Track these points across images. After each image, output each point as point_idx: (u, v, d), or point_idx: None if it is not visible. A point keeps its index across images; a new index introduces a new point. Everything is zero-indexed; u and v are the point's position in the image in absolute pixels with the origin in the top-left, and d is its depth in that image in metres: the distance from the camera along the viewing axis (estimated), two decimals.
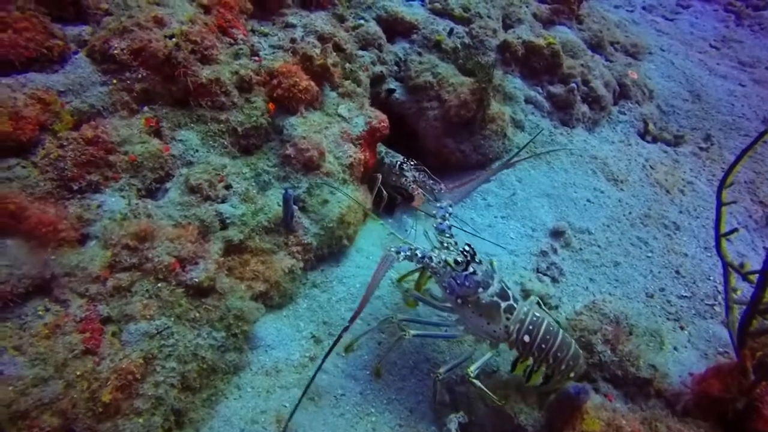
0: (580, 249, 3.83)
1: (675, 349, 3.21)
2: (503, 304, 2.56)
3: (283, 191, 2.89)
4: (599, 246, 3.87)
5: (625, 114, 5.28)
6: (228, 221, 2.81)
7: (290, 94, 3.28)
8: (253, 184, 3.14)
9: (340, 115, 3.65)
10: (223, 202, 2.86)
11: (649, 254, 3.91)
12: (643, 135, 5.26)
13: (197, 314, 2.43)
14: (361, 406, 2.79)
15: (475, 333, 2.72)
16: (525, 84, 4.74)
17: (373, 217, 3.89)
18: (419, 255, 2.62)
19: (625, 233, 4.00)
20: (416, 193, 3.87)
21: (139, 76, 2.75)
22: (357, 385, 2.86)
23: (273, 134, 3.33)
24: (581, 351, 2.73)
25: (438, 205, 2.91)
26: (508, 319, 2.56)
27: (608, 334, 2.89)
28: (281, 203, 2.97)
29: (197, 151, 2.94)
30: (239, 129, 3.12)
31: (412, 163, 4.10)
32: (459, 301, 2.59)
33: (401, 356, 3.02)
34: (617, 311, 3.12)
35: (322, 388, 2.79)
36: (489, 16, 4.77)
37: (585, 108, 4.92)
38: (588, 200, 4.18)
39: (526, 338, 2.56)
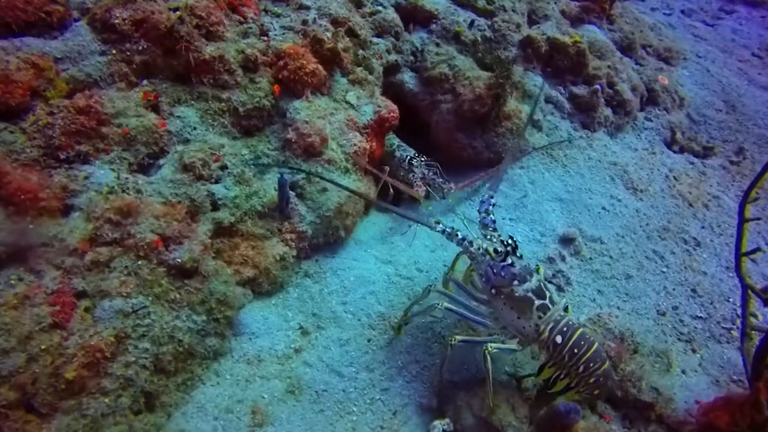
0: (591, 258, 3.64)
1: (683, 372, 3.01)
2: (537, 302, 2.47)
3: (279, 176, 2.79)
4: (611, 257, 3.67)
5: (651, 121, 5.02)
6: (220, 202, 2.73)
7: (296, 77, 3.18)
8: (252, 166, 3.06)
9: (348, 102, 3.53)
10: (216, 182, 2.78)
11: (665, 269, 3.69)
12: (669, 144, 4.99)
13: (178, 295, 2.35)
14: (343, 404, 2.69)
15: (506, 326, 2.62)
16: (547, 82, 4.53)
17: (376, 206, 3.78)
18: (459, 236, 2.61)
19: (640, 245, 3.79)
20: (417, 190, 3.73)
21: (140, 48, 2.69)
22: (341, 382, 2.75)
23: (276, 117, 3.24)
24: (613, 372, 2.53)
25: (480, 198, 2.86)
26: (540, 317, 2.47)
27: (610, 350, 2.72)
28: (277, 188, 2.88)
29: (195, 128, 2.86)
30: (241, 109, 3.03)
31: (422, 159, 3.95)
32: (493, 291, 2.54)
33: (390, 356, 2.91)
34: (623, 327, 2.94)
35: (304, 381, 2.70)
36: (514, 10, 4.58)
37: (608, 112, 4.69)
38: (603, 208, 3.97)
39: (558, 339, 2.43)
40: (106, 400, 1.95)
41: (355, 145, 3.34)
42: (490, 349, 2.45)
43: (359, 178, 3.40)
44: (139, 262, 2.24)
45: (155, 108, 2.74)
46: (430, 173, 3.92)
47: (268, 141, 3.18)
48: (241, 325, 2.79)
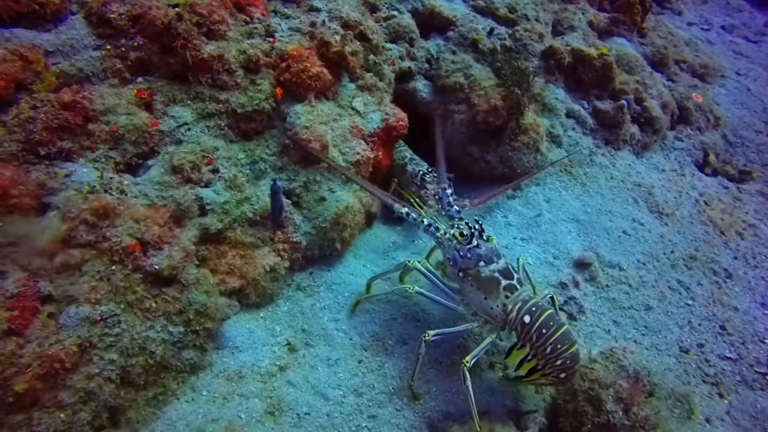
0: (607, 286, 3.36)
1: (707, 421, 2.70)
2: (504, 282, 2.50)
3: (272, 182, 2.64)
4: (630, 285, 3.38)
5: (682, 141, 4.70)
6: (208, 208, 2.60)
7: (298, 80, 3.05)
8: (247, 171, 2.93)
9: (354, 109, 3.38)
10: (206, 186, 2.65)
11: (690, 302, 3.38)
12: (701, 166, 4.67)
13: (153, 304, 2.22)
14: (326, 429, 2.49)
15: (474, 309, 2.64)
16: (569, 96, 4.30)
17: (380, 219, 3.61)
18: (425, 222, 2.69)
19: (664, 274, 3.49)
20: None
21: (136, 44, 2.60)
22: (325, 405, 2.56)
23: (277, 121, 3.11)
24: (581, 356, 2.47)
25: (438, 196, 2.93)
26: (507, 297, 2.49)
27: (623, 391, 2.45)
28: (270, 195, 2.73)
29: (189, 129, 2.75)
30: (239, 111, 2.91)
31: (435, 175, 3.75)
32: (461, 274, 2.59)
33: (381, 380, 2.70)
34: (638, 365, 2.65)
35: (286, 403, 2.52)
36: (537, 20, 4.37)
37: (635, 129, 4.41)
38: (624, 231, 3.69)
39: (527, 318, 2.42)
40: (62, 415, 1.82)
41: (358, 153, 3.18)
42: (468, 364, 2.40)
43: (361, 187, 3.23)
44: (113, 267, 2.12)
45: (148, 106, 2.64)
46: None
47: (267, 145, 3.05)
48: (223, 337, 2.64)
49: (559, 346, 2.36)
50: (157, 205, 2.43)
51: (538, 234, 3.56)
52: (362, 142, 3.27)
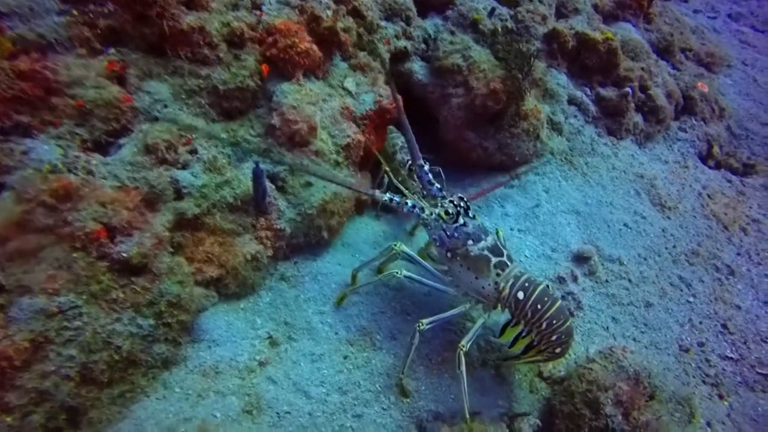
0: (607, 281, 3.22)
1: (708, 425, 2.59)
2: (494, 259, 2.43)
3: (254, 165, 2.45)
4: (630, 280, 3.24)
5: (686, 131, 4.54)
6: (184, 191, 2.41)
7: (286, 56, 2.84)
8: (230, 152, 2.74)
9: (345, 89, 3.18)
10: (183, 168, 2.46)
11: (691, 299, 3.26)
12: (704, 158, 4.52)
13: (121, 295, 2.04)
14: (307, 429, 2.35)
15: (465, 290, 2.56)
16: (571, 82, 4.11)
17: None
18: (408, 204, 2.55)
19: (665, 270, 3.35)
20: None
21: (106, 10, 2.38)
22: (307, 404, 2.41)
23: (263, 100, 2.91)
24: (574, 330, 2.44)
25: (416, 174, 2.77)
26: (498, 275, 2.43)
27: (622, 394, 2.31)
28: (252, 179, 2.55)
29: (166, 106, 2.54)
30: (221, 88, 2.70)
31: (426, 165, 3.55)
32: (449, 254, 2.50)
33: (367, 377, 2.56)
34: (639, 365, 2.52)
35: (265, 400, 2.37)
36: (540, 1, 4.15)
37: (639, 118, 4.24)
38: (625, 224, 3.55)
39: (520, 295, 2.38)
40: (8, 419, 1.65)
41: (348, 136, 2.99)
42: (464, 348, 2.34)
43: (351, 173, 3.05)
44: (75, 255, 1.94)
45: (121, 80, 2.43)
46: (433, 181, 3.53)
47: (251, 126, 2.85)
48: (200, 330, 2.48)
49: (554, 321, 2.33)
50: (128, 187, 2.24)
51: (536, 225, 3.41)
52: (353, 124, 3.08)
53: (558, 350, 2.40)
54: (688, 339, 3.04)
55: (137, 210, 2.17)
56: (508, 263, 2.45)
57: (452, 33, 3.81)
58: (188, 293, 2.28)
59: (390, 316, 2.81)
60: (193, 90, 2.64)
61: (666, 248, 3.48)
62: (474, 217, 2.54)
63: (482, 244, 2.45)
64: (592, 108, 4.09)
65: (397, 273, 2.52)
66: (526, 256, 3.22)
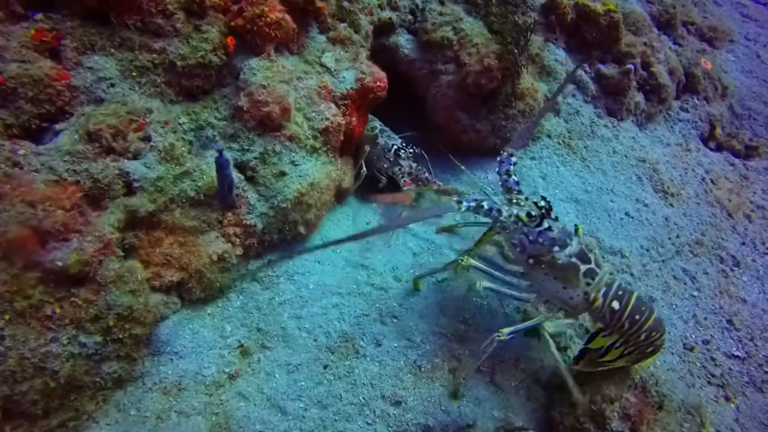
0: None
1: None
2: (583, 267, 2.19)
3: (217, 153, 2.13)
4: (632, 274, 3.03)
5: (687, 111, 4.30)
6: (136, 185, 2.09)
7: (254, 27, 2.49)
8: (192, 138, 2.41)
9: (323, 65, 2.84)
10: (134, 158, 2.13)
11: (695, 293, 3.06)
12: (706, 140, 4.29)
13: (57, 310, 1.74)
14: None
15: (550, 300, 2.36)
16: (570, 57, 3.81)
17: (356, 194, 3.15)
18: (486, 207, 2.24)
19: (668, 262, 3.15)
20: (406, 188, 3.09)
21: None
22: (283, 421, 2.17)
23: (228, 78, 2.57)
24: None
25: (499, 158, 2.49)
26: (588, 284, 2.20)
27: (630, 406, 2.11)
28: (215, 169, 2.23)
29: (114, 85, 2.20)
30: (179, 64, 2.36)
31: (411, 150, 3.29)
32: (531, 261, 2.25)
33: (350, 389, 2.32)
34: (645, 372, 2.32)
35: (235, 420, 2.12)
36: None
37: (640, 98, 3.97)
38: (627, 213, 3.32)
39: (616, 305, 2.16)
40: None
41: (327, 119, 2.68)
42: (547, 327, 2.21)
43: (330, 159, 2.75)
44: None
45: (54, 53, 2.07)
46: (417, 168, 3.27)
47: (216, 108, 2.52)
48: (159, 341, 2.19)
49: (653, 333, 2.16)
50: (66, 182, 1.92)
51: None
52: (332, 105, 2.76)
53: (647, 359, 2.25)
54: (693, 336, 2.86)
55: (76, 209, 1.85)
56: (597, 270, 2.21)
57: (442, 3, 3.47)
58: (142, 303, 1.99)
59: (374, 320, 2.55)
60: (146, 66, 2.29)
61: (669, 238, 3.27)
62: (557, 219, 2.28)
63: (569, 250, 2.20)
64: (592, 86, 3.81)
65: (477, 285, 2.30)
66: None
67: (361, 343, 2.47)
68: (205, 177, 2.29)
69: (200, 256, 2.27)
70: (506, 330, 2.19)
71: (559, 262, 2.19)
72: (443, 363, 2.47)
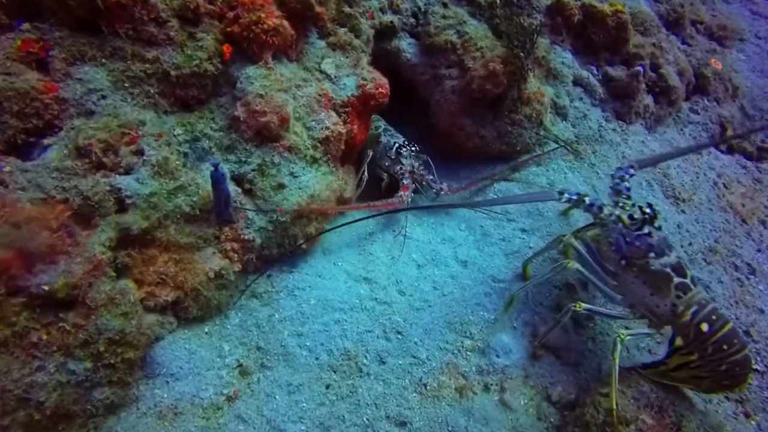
0: None
1: None
2: (676, 279, 2.18)
3: (212, 167, 2.05)
4: None
5: (698, 113, 4.19)
6: (129, 201, 2.00)
7: (251, 34, 2.40)
8: (187, 150, 2.33)
9: (323, 72, 2.75)
10: (126, 173, 2.04)
11: None
12: (716, 142, 4.17)
13: (44, 337, 1.66)
14: None
15: (635, 304, 2.34)
16: (576, 60, 3.71)
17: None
18: (588, 202, 2.37)
19: None
20: (405, 191, 3.00)
21: None
22: None
23: (225, 87, 2.48)
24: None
25: (619, 166, 2.60)
26: (679, 297, 2.17)
27: (647, 429, 2.01)
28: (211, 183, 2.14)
29: (105, 97, 2.11)
30: (173, 74, 2.27)
31: (413, 149, 3.22)
32: (623, 262, 2.28)
33: (354, 410, 2.23)
34: (660, 391, 2.22)
35: None
36: None
37: (649, 100, 3.86)
38: None
39: (705, 327, 2.09)
40: None
41: (327, 128, 2.59)
42: (623, 337, 2.19)
43: (331, 169, 2.65)
44: None
45: (42, 65, 1.99)
46: (420, 167, 3.19)
47: (213, 118, 2.43)
48: (155, 363, 2.11)
49: (737, 368, 2.06)
50: (54, 199, 1.83)
51: (541, 224, 3.05)
52: (333, 113, 2.67)
53: (718, 386, 2.16)
54: None
55: (64, 229, 1.76)
56: (692, 287, 2.19)
57: (445, 5, 3.37)
58: (135, 325, 1.90)
59: (378, 336, 2.47)
60: (138, 76, 2.21)
61: (682, 246, 3.16)
62: (659, 228, 2.31)
63: (665, 260, 2.21)
64: (600, 89, 3.70)
65: (567, 263, 2.34)
66: (532, 261, 2.87)
67: (365, 360, 2.39)
68: (200, 191, 2.20)
69: (196, 274, 2.18)
70: (584, 304, 2.24)
71: (652, 268, 2.20)
72: (450, 381, 2.38)
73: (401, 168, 3.12)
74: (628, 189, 2.45)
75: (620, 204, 2.37)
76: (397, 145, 3.19)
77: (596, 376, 2.52)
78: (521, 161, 3.31)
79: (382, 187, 3.22)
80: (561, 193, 2.36)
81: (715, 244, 3.24)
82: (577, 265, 2.35)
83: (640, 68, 3.66)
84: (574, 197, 2.36)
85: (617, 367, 2.11)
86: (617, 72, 3.72)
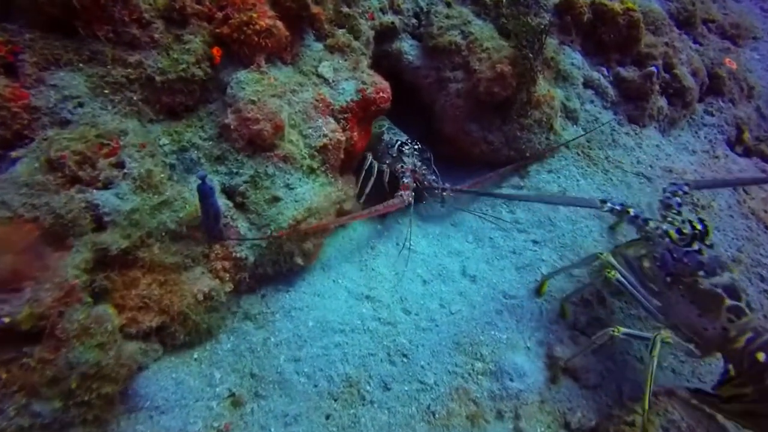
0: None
1: None
2: (728, 302, 2.02)
3: (199, 179, 1.87)
4: None
5: (712, 115, 4.01)
6: (107, 219, 1.82)
7: (242, 36, 2.23)
8: (174, 162, 2.15)
9: (320, 76, 2.58)
10: (105, 187, 1.86)
11: None
12: (732, 145, 4.00)
13: (3, 376, 1.47)
14: None
15: (680, 326, 2.17)
16: (586, 61, 3.54)
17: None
18: (632, 213, 2.27)
19: None
20: (406, 191, 2.83)
21: None
22: None
23: (215, 93, 2.31)
24: None
25: (672, 181, 2.56)
26: (731, 321, 2.01)
27: None
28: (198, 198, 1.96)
29: (82, 105, 1.94)
30: (158, 79, 2.10)
31: (416, 146, 3.07)
32: (668, 279, 2.15)
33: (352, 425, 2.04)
34: (690, 416, 2.04)
35: None
36: None
37: (663, 102, 3.68)
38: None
39: (762, 356, 1.91)
40: None
41: (325, 135, 2.41)
42: (664, 335, 2.03)
43: (330, 180, 2.48)
44: None
45: (10, 69, 1.82)
46: (422, 167, 3.03)
47: (202, 127, 2.26)
48: (137, 396, 1.92)
49: None
50: (21, 218, 1.65)
51: (553, 235, 2.87)
52: (331, 120, 2.50)
53: None
54: None
55: (32, 251, 1.58)
56: (747, 311, 2.03)
57: (448, 5, 3.20)
58: (114, 356, 1.72)
59: (382, 360, 2.28)
60: (120, 82, 2.04)
61: None
62: (712, 246, 2.18)
63: (717, 279, 2.07)
64: (611, 91, 3.52)
65: (610, 273, 2.20)
66: (543, 274, 2.68)
67: (368, 387, 2.20)
68: (188, 206, 2.02)
69: (183, 296, 2.00)
70: (623, 329, 2.10)
71: (701, 287, 2.06)
72: (460, 408, 2.19)
73: (402, 166, 2.96)
74: (680, 205, 2.34)
75: (669, 219, 2.26)
76: (399, 142, 3.05)
77: (618, 400, 2.34)
78: (520, 163, 3.13)
79: (385, 184, 3.02)
80: (604, 201, 2.24)
81: (738, 253, 3.05)
82: (619, 276, 2.21)
83: (654, 68, 3.48)
84: (618, 207, 2.25)
85: (653, 368, 1.95)
86: (629, 73, 3.55)
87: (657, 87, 3.57)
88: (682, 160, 3.53)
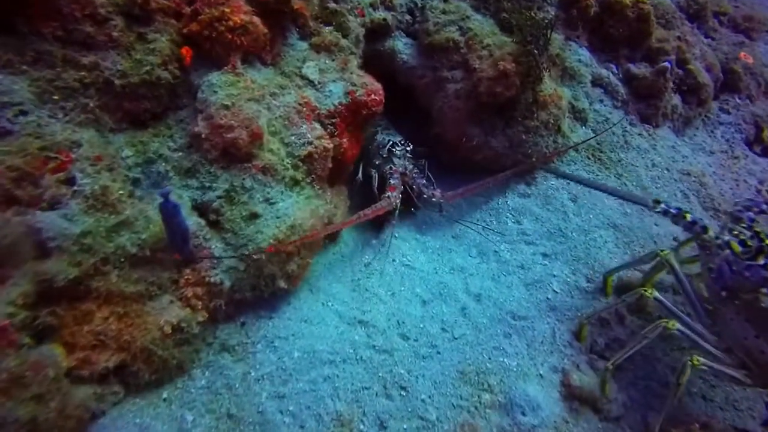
0: (659, 317, 2.44)
1: None
2: None
3: (161, 197, 1.62)
4: (688, 315, 2.47)
5: (728, 113, 3.77)
6: (51, 245, 1.57)
7: (213, 34, 1.99)
8: (139, 176, 1.91)
9: (304, 77, 2.34)
10: (51, 208, 1.61)
11: None
12: (750, 144, 3.75)
13: None
14: None
15: (733, 348, 1.98)
16: (594, 57, 3.30)
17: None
18: (690, 219, 2.04)
19: None
20: (393, 192, 2.59)
21: None
22: None
23: (185, 98, 2.07)
24: None
25: (750, 197, 2.41)
26: None
27: None
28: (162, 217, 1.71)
29: (25, 113, 1.70)
30: (118, 83, 1.86)
31: (407, 149, 2.84)
32: (724, 293, 1.96)
33: None
34: None
35: None
36: None
37: (677, 100, 3.44)
38: (674, 239, 2.77)
39: None
40: None
41: (310, 143, 2.17)
42: (696, 362, 1.87)
43: (316, 192, 2.23)
44: None
45: None
46: (413, 170, 2.79)
47: (170, 136, 2.02)
48: None
49: None
50: None
51: (564, 247, 2.61)
52: (317, 125, 2.26)
53: None
54: None
55: None
56: None
57: (444, 0, 2.96)
58: (55, 408, 1.46)
59: (377, 393, 2.02)
60: (72, 87, 1.80)
61: None
62: None
63: None
64: (622, 89, 3.28)
65: (645, 292, 2.05)
66: (554, 290, 2.43)
67: (361, 426, 1.94)
68: (151, 226, 1.77)
69: (147, 330, 1.75)
70: (677, 324, 1.95)
71: (762, 305, 1.87)
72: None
73: (391, 168, 2.73)
74: (752, 220, 2.10)
75: (734, 231, 2.04)
76: (391, 142, 2.82)
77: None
78: (518, 169, 2.87)
79: (375, 188, 2.80)
80: (657, 201, 2.06)
81: None
82: (657, 294, 2.04)
83: (667, 64, 3.24)
84: (673, 210, 2.04)
85: (679, 394, 1.82)
86: (640, 69, 3.31)
87: (671, 84, 3.33)
88: (700, 161, 3.29)
